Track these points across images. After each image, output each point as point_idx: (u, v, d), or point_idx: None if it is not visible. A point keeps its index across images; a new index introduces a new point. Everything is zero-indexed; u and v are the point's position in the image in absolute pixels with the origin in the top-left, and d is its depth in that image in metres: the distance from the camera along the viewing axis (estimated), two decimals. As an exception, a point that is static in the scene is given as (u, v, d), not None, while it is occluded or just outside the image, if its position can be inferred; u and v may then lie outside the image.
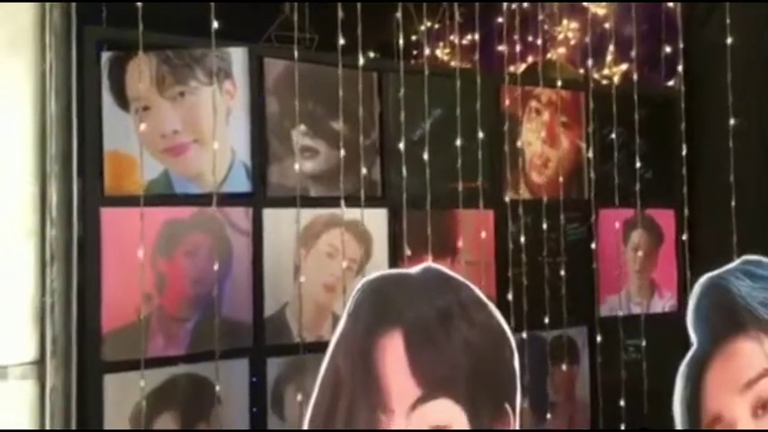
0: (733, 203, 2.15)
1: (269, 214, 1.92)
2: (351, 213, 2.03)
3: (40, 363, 1.10)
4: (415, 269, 1.32)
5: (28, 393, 1.12)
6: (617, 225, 2.43)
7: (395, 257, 2.10)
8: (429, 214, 1.96)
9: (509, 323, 2.13)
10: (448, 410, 1.16)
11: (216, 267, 1.75)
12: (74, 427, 1.12)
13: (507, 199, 2.23)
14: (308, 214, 1.97)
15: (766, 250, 1.62)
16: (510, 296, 2.16)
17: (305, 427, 1.21)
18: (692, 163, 2.47)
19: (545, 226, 2.29)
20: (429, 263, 1.33)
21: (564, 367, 2.31)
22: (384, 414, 1.11)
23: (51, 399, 1.12)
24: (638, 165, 2.34)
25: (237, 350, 1.84)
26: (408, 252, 1.96)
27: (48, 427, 1.08)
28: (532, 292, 2.26)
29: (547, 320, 2.25)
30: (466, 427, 1.25)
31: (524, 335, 2.13)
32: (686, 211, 2.42)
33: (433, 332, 1.21)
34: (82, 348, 1.67)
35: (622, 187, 2.45)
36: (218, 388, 1.72)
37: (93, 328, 1.68)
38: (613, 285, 2.42)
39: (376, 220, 2.07)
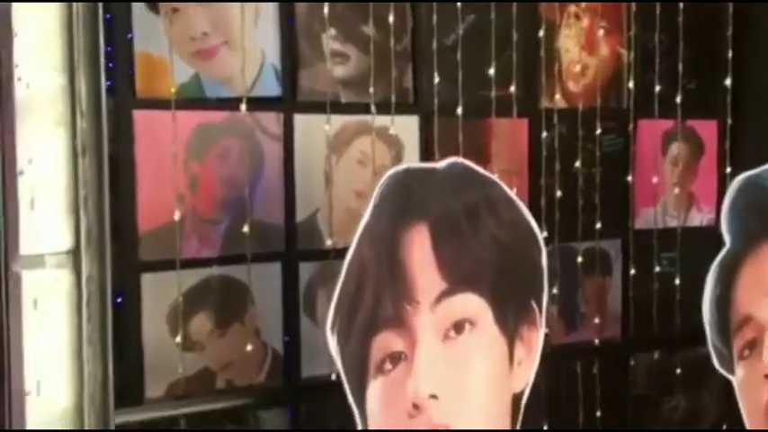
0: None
1: (299, 120, 1.93)
2: (381, 120, 2.02)
3: (75, 252, 1.14)
4: (441, 163, 1.31)
5: (64, 282, 1.16)
6: (656, 136, 2.39)
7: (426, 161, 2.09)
8: (460, 121, 1.96)
9: (546, 232, 2.18)
10: (473, 304, 1.15)
11: (247, 171, 1.78)
12: (110, 315, 1.16)
13: (542, 107, 2.18)
14: (338, 121, 1.96)
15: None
16: (542, 204, 2.16)
17: (330, 314, 1.23)
18: (737, 72, 2.39)
19: (580, 135, 2.27)
20: (456, 158, 1.31)
21: (595, 279, 2.32)
22: (410, 305, 1.10)
23: (88, 287, 1.16)
24: (680, 72, 2.30)
25: (269, 254, 1.85)
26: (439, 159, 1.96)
27: (84, 316, 1.12)
28: (565, 202, 2.24)
29: (579, 231, 2.26)
30: (491, 321, 1.25)
31: (555, 244, 2.14)
32: (729, 121, 2.36)
33: (460, 226, 1.21)
34: (119, 247, 1.72)
35: (663, 97, 2.39)
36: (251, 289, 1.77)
37: (129, 227, 1.72)
38: (650, 198, 2.39)
39: (407, 128, 2.05)
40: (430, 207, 1.15)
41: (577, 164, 2.21)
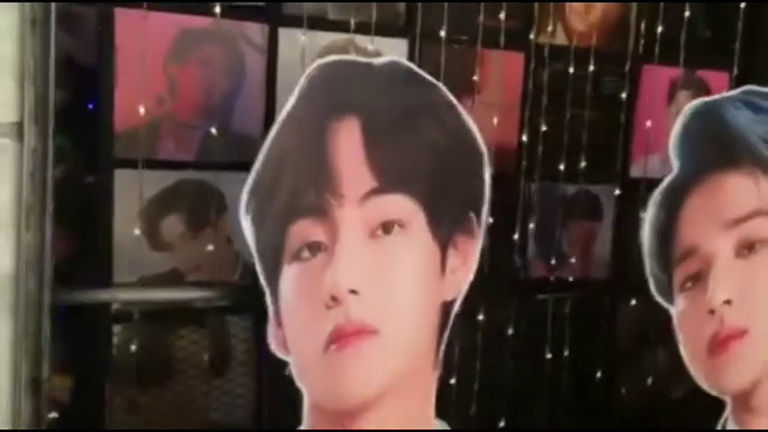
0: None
1: (284, 33, 1.95)
2: (368, 42, 2.01)
3: (20, 124, 1.19)
4: (378, 60, 1.29)
5: (9, 153, 1.21)
6: (662, 83, 2.33)
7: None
8: (443, 44, 1.92)
9: (530, 172, 2.17)
10: (405, 206, 1.12)
11: (228, 80, 1.81)
12: (50, 189, 1.21)
13: (539, 42, 2.15)
14: (324, 38, 1.98)
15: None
16: (537, 145, 2.13)
17: (243, 196, 1.23)
18: (753, 18, 2.30)
19: (579, 75, 2.22)
20: (396, 57, 1.29)
21: (584, 224, 2.29)
22: (333, 197, 1.08)
23: (33, 159, 1.21)
24: (687, 15, 2.21)
25: (245, 163, 1.93)
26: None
27: (24, 185, 1.18)
28: (558, 142, 2.22)
29: (569, 173, 2.22)
30: (423, 225, 1.22)
31: (537, 183, 2.12)
32: (735, 71, 2.28)
33: (396, 126, 1.17)
34: (95, 144, 1.78)
35: (672, 43, 2.32)
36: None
37: (106, 123, 1.78)
38: (649, 146, 2.34)
39: (395, 52, 2.05)
40: (362, 101, 1.12)
41: (575, 104, 2.21)
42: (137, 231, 1.68)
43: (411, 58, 2.06)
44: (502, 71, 2.09)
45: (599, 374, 2.06)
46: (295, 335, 1.14)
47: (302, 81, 1.18)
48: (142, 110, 1.73)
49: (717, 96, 1.29)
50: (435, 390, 1.29)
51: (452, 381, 1.96)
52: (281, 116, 1.18)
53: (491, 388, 2.00)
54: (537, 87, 2.08)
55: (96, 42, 1.68)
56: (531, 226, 2.00)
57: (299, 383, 1.24)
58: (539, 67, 2.11)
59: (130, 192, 1.80)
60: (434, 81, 1.35)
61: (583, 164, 2.06)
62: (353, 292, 1.07)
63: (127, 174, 1.79)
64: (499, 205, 2.06)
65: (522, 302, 2.01)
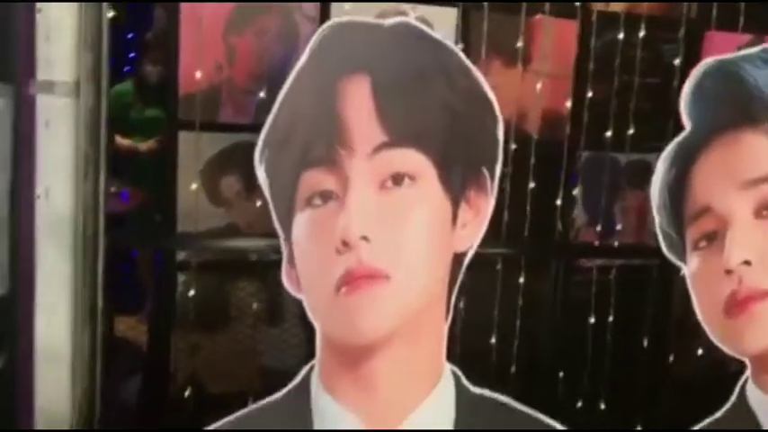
0: None
1: (336, 6, 2.04)
2: (420, 10, 2.07)
3: (77, 84, 1.35)
4: (388, 21, 1.31)
5: (69, 108, 1.38)
6: (728, 50, 2.24)
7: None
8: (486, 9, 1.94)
9: (583, 139, 2.17)
10: (415, 160, 1.11)
11: (283, 48, 1.93)
12: (103, 139, 1.37)
13: (596, 10, 2.17)
14: (376, 8, 2.06)
15: None
16: (585, 112, 2.14)
17: (258, 146, 1.25)
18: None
19: (638, 43, 2.19)
20: (406, 18, 1.33)
21: (637, 192, 2.26)
22: (344, 149, 1.09)
23: (91, 115, 1.37)
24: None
25: (299, 126, 2.05)
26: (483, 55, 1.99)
27: (81, 139, 1.34)
28: (613, 110, 2.20)
29: (624, 141, 2.20)
30: (434, 179, 1.23)
31: (589, 153, 2.12)
32: (802, 36, 2.17)
33: (406, 84, 1.15)
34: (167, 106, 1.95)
35: (737, 7, 2.24)
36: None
37: (171, 89, 1.94)
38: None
39: (447, 20, 2.10)
40: (372, 60, 1.13)
41: (633, 72, 2.18)
42: (195, 187, 1.84)
43: (463, 27, 2.14)
44: (553, 39, 2.11)
45: (646, 341, 2.06)
46: (307, 276, 1.18)
47: (313, 40, 1.21)
48: (203, 76, 1.90)
49: (732, 54, 1.25)
50: (446, 336, 1.32)
51: (492, 341, 2.04)
52: (294, 72, 1.23)
53: (531, 350, 2.04)
54: (590, 55, 2.08)
55: (162, 14, 1.85)
56: (575, 193, 2.02)
57: (311, 319, 1.29)
58: (592, 34, 2.11)
59: (193, 151, 1.97)
60: (447, 43, 1.36)
61: (631, 131, 2.04)
62: (364, 238, 1.08)
63: (189, 135, 1.96)
64: (545, 171, 2.13)
65: (566, 266, 2.03)
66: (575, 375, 2.10)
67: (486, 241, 2.15)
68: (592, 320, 2.04)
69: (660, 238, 1.36)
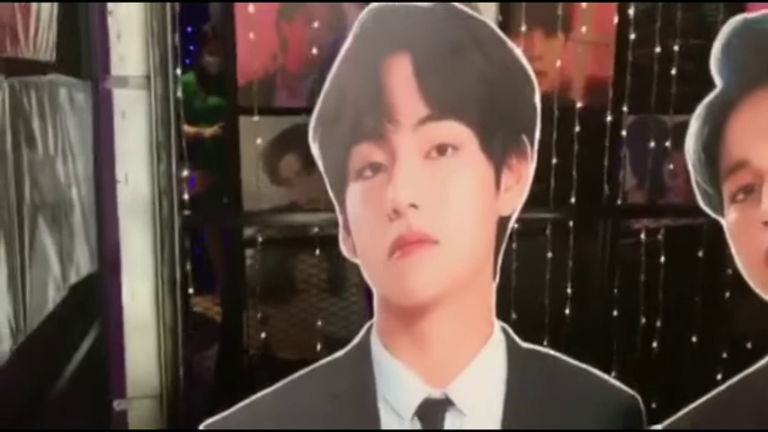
0: None
1: (381, -7, 2.12)
2: (462, -10, 2.14)
3: (147, 77, 1.49)
4: (425, 3, 1.37)
5: (143, 99, 1.52)
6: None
7: (508, 32, 2.19)
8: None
9: (627, 103, 2.20)
10: (457, 131, 1.16)
11: (332, 33, 2.03)
12: (173, 126, 1.50)
13: (633, -23, 2.21)
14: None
15: None
16: (628, 77, 2.17)
17: (311, 125, 1.34)
18: None
19: (679, 6, 2.20)
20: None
21: (684, 154, 2.28)
22: (390, 123, 1.14)
23: (161, 105, 1.51)
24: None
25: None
26: (523, 28, 2.05)
27: (154, 127, 1.48)
28: (658, 76, 2.23)
29: (671, 104, 2.22)
30: (476, 148, 1.28)
31: (634, 117, 2.16)
32: None
33: (445, 60, 1.18)
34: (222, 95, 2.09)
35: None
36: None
37: (230, 78, 2.07)
38: (756, 74, 2.26)
39: (487, -4, 2.17)
40: (412, 39, 1.17)
41: (676, 38, 2.20)
42: (257, 169, 1.98)
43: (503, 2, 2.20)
44: (593, 7, 2.15)
45: (697, 298, 2.10)
46: (362, 242, 1.24)
47: (356, 24, 1.29)
48: (259, 65, 2.03)
49: (758, 13, 1.29)
50: (494, 295, 1.39)
51: (546, 302, 2.12)
52: (340, 56, 1.31)
53: (583, 310, 2.11)
54: (630, 21, 2.11)
55: (218, 8, 1.98)
56: (622, 156, 2.07)
57: (368, 282, 1.37)
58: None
59: (253, 135, 2.10)
60: (481, 17, 1.42)
61: (675, 93, 2.07)
62: (413, 206, 1.14)
63: (249, 120, 2.09)
64: (591, 136, 2.18)
65: (614, 228, 2.09)
66: (627, 334, 2.16)
67: (535, 207, 2.22)
68: (642, 279, 2.10)
69: (697, 193, 1.42)
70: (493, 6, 2.16)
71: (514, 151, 1.33)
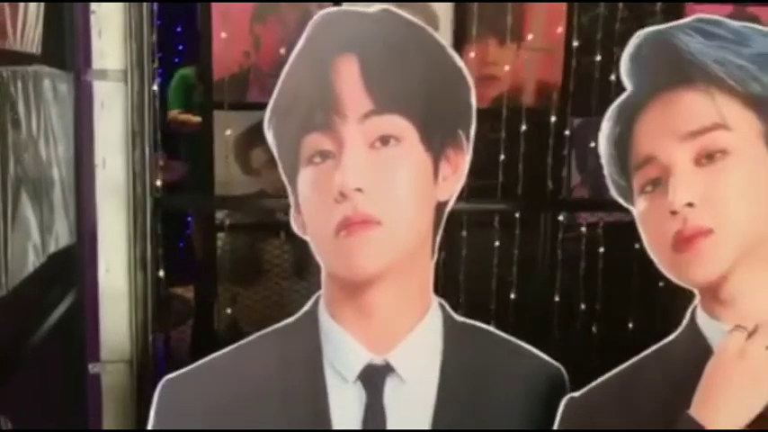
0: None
1: None
2: (418, -3, 2.31)
3: (125, 71, 1.65)
4: (371, 9, 1.47)
5: (120, 91, 1.69)
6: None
7: (461, 39, 2.37)
8: None
9: (570, 110, 2.36)
10: (399, 124, 1.29)
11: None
12: (147, 115, 1.66)
13: (579, -11, 2.38)
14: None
15: None
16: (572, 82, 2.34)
17: (266, 115, 1.46)
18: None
19: (620, 16, 2.37)
20: (386, 6, 1.50)
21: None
22: (338, 116, 1.27)
23: (137, 96, 1.67)
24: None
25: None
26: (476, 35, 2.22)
27: (130, 114, 1.64)
28: (599, 82, 2.39)
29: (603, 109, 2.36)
30: (416, 140, 1.35)
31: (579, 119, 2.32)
32: (770, 5, 2.32)
33: (388, 61, 1.28)
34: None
35: (718, -19, 2.39)
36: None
37: (207, 74, 2.23)
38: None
39: (443, 4, 2.33)
40: (359, 41, 1.29)
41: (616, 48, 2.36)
42: (228, 158, 2.14)
43: (457, 10, 2.36)
44: (543, 18, 2.32)
45: (633, 286, 2.25)
46: (311, 222, 1.35)
47: (308, 27, 1.33)
48: (232, 62, 2.18)
49: (667, 24, 1.40)
50: (432, 272, 1.41)
51: (493, 287, 2.28)
52: (293, 55, 1.35)
53: (528, 295, 2.27)
54: (575, 30, 2.28)
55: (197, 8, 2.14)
56: (565, 154, 2.24)
57: (317, 258, 1.38)
58: (580, 11, 2.31)
59: (226, 128, 2.26)
60: (423, 24, 1.50)
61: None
62: (359, 190, 1.25)
63: (223, 113, 2.25)
64: (537, 135, 2.35)
65: (555, 221, 2.25)
66: (567, 318, 2.33)
67: (484, 199, 2.39)
68: (582, 267, 2.27)
69: (610, 185, 1.54)
70: (449, 15, 2.33)
71: (451, 144, 1.48)
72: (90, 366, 1.80)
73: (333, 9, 1.52)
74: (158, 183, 1.81)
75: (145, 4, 1.61)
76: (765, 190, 1.22)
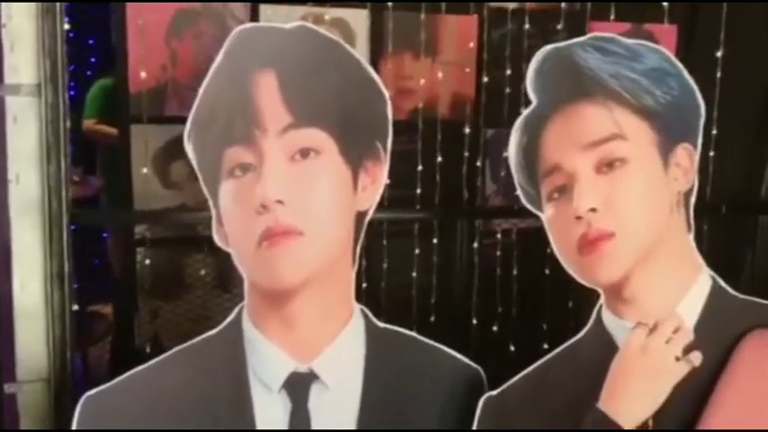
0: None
1: (264, 8, 2.33)
2: (337, 12, 2.36)
3: (38, 86, 1.63)
4: (288, 25, 1.49)
5: (34, 106, 1.65)
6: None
7: (377, 54, 2.44)
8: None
9: (483, 121, 2.46)
10: (318, 137, 1.32)
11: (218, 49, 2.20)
12: (63, 131, 1.64)
13: (486, 6, 2.46)
14: (298, 11, 2.34)
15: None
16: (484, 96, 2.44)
17: (186, 127, 1.47)
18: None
19: (527, 33, 2.49)
20: (303, 23, 1.52)
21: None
22: (258, 129, 1.28)
23: (51, 111, 1.64)
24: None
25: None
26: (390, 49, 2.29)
27: (44, 131, 1.61)
28: (510, 96, 2.50)
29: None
30: (335, 152, 1.35)
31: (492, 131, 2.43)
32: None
33: (305, 76, 1.31)
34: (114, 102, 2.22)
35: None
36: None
37: (122, 88, 2.22)
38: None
39: (359, 20, 2.39)
40: (277, 57, 1.32)
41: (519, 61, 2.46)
42: (147, 172, 2.12)
43: (373, 26, 2.43)
44: (455, 34, 2.41)
45: (546, 289, 2.36)
46: (233, 233, 1.37)
47: (227, 42, 1.36)
48: (149, 76, 2.17)
49: (565, 42, 1.46)
50: (354, 280, 1.43)
51: (413, 293, 2.35)
52: (212, 69, 1.37)
53: (447, 300, 2.35)
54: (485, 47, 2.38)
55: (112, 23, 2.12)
56: (479, 164, 2.33)
57: (240, 269, 1.39)
58: (489, 28, 2.41)
59: (144, 142, 2.25)
60: (339, 41, 1.53)
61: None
62: (280, 202, 1.27)
63: (140, 127, 2.24)
64: (452, 147, 2.43)
65: (472, 228, 2.35)
66: (485, 320, 2.41)
67: (403, 208, 2.45)
68: (498, 272, 2.36)
69: (519, 192, 1.61)
70: (366, 31, 2.39)
71: (369, 156, 1.51)
72: (6, 387, 1.76)
73: (250, 25, 1.54)
74: (71, 198, 1.78)
75: (58, 17, 1.58)
76: (660, 194, 1.31)
